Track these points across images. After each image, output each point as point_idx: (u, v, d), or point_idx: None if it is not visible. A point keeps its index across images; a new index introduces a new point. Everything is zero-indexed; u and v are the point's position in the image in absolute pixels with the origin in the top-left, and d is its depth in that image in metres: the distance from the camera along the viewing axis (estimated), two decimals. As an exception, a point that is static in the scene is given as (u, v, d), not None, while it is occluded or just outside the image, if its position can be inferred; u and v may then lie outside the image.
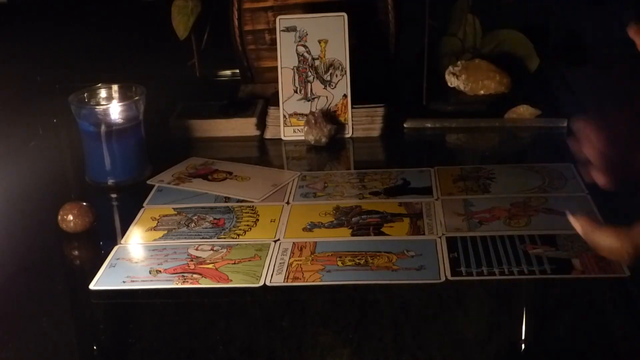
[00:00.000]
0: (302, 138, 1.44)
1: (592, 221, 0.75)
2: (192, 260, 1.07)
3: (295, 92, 1.47)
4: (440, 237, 1.09)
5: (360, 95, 1.47)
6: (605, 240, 0.73)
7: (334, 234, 1.12)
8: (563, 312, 0.97)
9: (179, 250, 1.10)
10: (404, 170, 1.31)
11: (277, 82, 1.48)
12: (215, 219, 1.18)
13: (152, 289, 1.02)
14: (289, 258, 1.06)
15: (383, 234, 1.11)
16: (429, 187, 1.24)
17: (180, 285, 1.01)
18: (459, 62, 1.57)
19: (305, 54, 1.46)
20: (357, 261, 1.05)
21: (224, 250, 1.09)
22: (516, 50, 1.61)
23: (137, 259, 1.09)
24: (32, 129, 1.58)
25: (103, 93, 1.34)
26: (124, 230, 1.16)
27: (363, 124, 1.47)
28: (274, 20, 1.49)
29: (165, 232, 1.15)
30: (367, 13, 1.56)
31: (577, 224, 0.75)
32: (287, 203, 1.22)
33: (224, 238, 1.13)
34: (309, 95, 1.47)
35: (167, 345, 0.94)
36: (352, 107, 1.47)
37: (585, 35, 1.70)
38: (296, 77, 1.47)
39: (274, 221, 1.16)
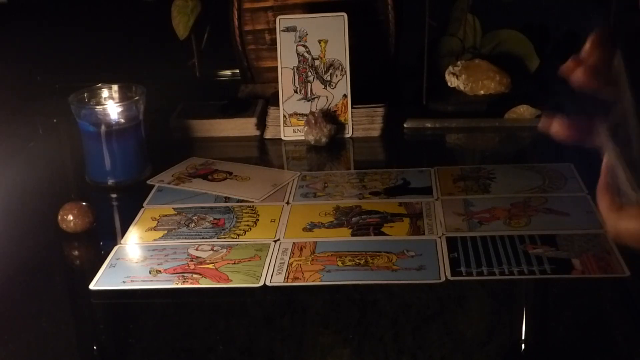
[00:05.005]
0: (302, 138, 1.44)
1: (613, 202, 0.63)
2: (192, 260, 1.07)
3: (295, 92, 1.47)
4: (440, 237, 1.09)
5: (360, 95, 1.47)
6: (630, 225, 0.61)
7: (334, 234, 1.12)
8: (563, 312, 0.96)
9: (179, 250, 1.10)
10: (404, 170, 1.31)
11: (277, 82, 1.48)
12: (215, 219, 1.18)
13: (152, 289, 1.02)
14: (289, 258, 1.06)
15: (383, 234, 1.11)
16: (429, 187, 1.24)
17: (180, 285, 1.01)
18: (459, 62, 1.57)
19: (305, 54, 1.46)
20: (357, 261, 1.04)
21: (224, 250, 1.09)
22: (516, 50, 1.61)
23: (137, 259, 1.09)
24: (32, 129, 1.58)
25: (103, 93, 1.34)
26: (123, 230, 1.16)
27: (363, 124, 1.47)
28: (274, 20, 1.49)
29: (165, 232, 1.15)
30: (367, 13, 1.56)
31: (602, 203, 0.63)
32: (287, 203, 1.22)
33: (224, 238, 1.12)
34: (309, 95, 1.47)
35: (167, 345, 0.94)
36: (352, 107, 1.46)
37: (585, 35, 1.70)
38: (296, 77, 1.47)
39: (274, 221, 1.16)
